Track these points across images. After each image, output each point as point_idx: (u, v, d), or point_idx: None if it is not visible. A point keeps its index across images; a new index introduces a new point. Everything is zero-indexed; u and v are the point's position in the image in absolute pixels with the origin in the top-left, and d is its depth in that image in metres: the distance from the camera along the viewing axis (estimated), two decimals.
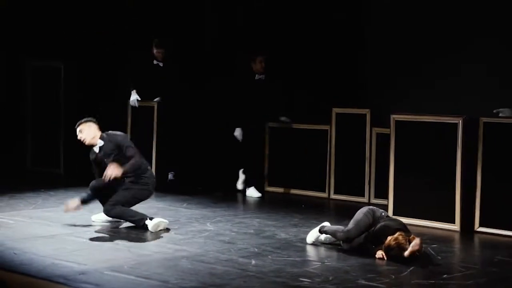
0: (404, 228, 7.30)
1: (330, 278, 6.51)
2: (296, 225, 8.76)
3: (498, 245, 7.99)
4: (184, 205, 9.92)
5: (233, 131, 10.90)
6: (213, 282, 6.33)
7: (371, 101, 10.62)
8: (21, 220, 8.67)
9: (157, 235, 8.11)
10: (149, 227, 8.21)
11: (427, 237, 8.12)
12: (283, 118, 11.05)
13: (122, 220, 8.57)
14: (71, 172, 12.36)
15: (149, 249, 7.55)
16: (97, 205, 9.20)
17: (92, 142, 8.56)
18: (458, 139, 8.69)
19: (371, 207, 7.70)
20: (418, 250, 7.09)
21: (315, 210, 9.84)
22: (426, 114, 9.07)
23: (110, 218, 8.57)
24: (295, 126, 11.03)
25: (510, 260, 7.34)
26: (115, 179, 8.28)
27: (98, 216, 8.67)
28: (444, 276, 6.69)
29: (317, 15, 11.24)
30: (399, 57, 10.38)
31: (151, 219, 8.27)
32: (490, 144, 8.51)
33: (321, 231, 7.71)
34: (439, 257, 7.39)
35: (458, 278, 6.71)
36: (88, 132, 8.53)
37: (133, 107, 11.74)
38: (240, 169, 11.10)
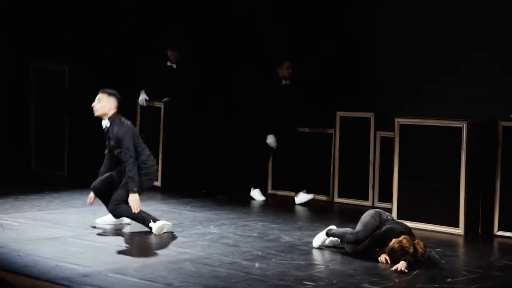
0: (409, 232, 7.30)
1: (334, 282, 6.51)
2: (300, 229, 8.76)
3: (502, 249, 7.98)
4: (188, 207, 9.92)
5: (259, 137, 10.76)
6: (217, 285, 6.33)
7: (375, 104, 10.61)
8: (25, 222, 8.68)
9: (161, 237, 8.11)
10: (153, 230, 8.21)
11: (431, 241, 8.12)
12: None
13: (125, 222, 8.58)
14: (75, 174, 12.36)
15: (153, 251, 7.56)
16: (100, 208, 9.20)
17: (101, 115, 8.42)
18: (463, 143, 8.69)
19: (377, 209, 7.71)
20: (422, 255, 7.09)
21: (319, 214, 9.83)
22: (431, 118, 9.07)
23: (114, 220, 8.57)
24: (299, 129, 11.01)
25: None
26: (120, 177, 8.29)
27: (102, 219, 8.67)
28: (448, 280, 6.68)
29: (320, 19, 11.24)
30: (404, 61, 10.37)
31: (155, 221, 8.27)
32: (509, 148, 8.52)
33: (328, 234, 7.69)
34: (443, 261, 7.38)
35: (462, 282, 6.70)
36: (104, 105, 8.39)
37: (142, 107, 11.83)
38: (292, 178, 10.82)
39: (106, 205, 8.48)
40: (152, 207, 8.80)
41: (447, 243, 8.24)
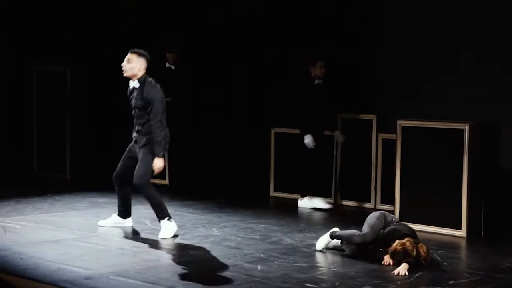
0: (413, 234, 7.30)
1: (336, 284, 6.51)
2: (302, 231, 8.75)
3: (505, 252, 7.97)
4: (190, 210, 9.91)
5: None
6: (219, 287, 6.32)
7: (377, 106, 10.60)
8: (27, 224, 8.68)
9: (163, 240, 8.10)
10: (162, 231, 8.18)
11: (433, 243, 8.11)
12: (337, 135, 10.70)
13: (127, 225, 8.59)
14: (77, 176, 12.37)
15: (155, 254, 7.55)
16: (102, 210, 9.24)
17: (130, 76, 8.27)
18: (465, 144, 8.68)
19: (382, 211, 7.71)
20: (424, 259, 7.08)
21: (321, 216, 9.83)
22: (433, 120, 9.07)
23: (117, 222, 8.56)
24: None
25: None
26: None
27: (105, 222, 8.66)
28: (450, 282, 6.68)
29: (322, 20, 11.23)
30: (406, 63, 10.36)
31: (170, 219, 8.23)
32: None
33: (332, 237, 7.68)
34: (445, 263, 7.38)
35: (464, 285, 6.69)
36: (134, 65, 8.23)
37: None
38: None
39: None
40: None
41: (449, 245, 8.24)
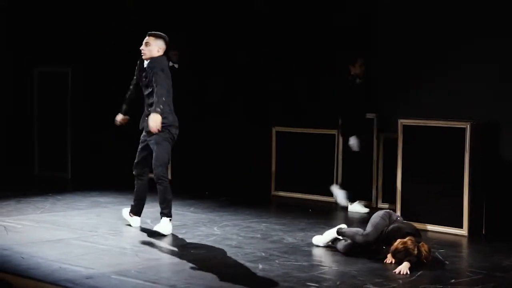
0: (416, 233, 7.30)
1: (338, 283, 6.50)
2: (303, 230, 8.75)
3: (506, 250, 7.97)
4: (191, 209, 9.91)
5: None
6: (220, 286, 6.33)
7: (379, 105, 10.59)
8: (28, 224, 8.68)
9: (164, 239, 8.10)
10: (163, 227, 8.21)
11: (435, 242, 8.11)
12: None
13: (127, 223, 8.60)
14: (78, 176, 12.38)
15: (156, 253, 7.55)
16: (104, 209, 9.23)
17: (149, 58, 8.28)
18: (466, 143, 8.68)
19: (387, 210, 7.71)
20: (426, 257, 7.08)
21: (322, 215, 9.82)
22: (434, 119, 9.07)
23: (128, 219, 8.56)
24: (302, 130, 11.01)
25: None
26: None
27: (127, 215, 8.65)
28: (452, 281, 6.68)
29: (324, 20, 11.23)
30: (407, 62, 10.34)
31: (170, 220, 8.25)
32: None
33: (339, 233, 7.67)
34: (447, 262, 7.37)
35: (466, 283, 6.69)
36: (152, 47, 8.29)
37: None
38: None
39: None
40: (156, 208, 8.75)
41: (451, 244, 8.24)
